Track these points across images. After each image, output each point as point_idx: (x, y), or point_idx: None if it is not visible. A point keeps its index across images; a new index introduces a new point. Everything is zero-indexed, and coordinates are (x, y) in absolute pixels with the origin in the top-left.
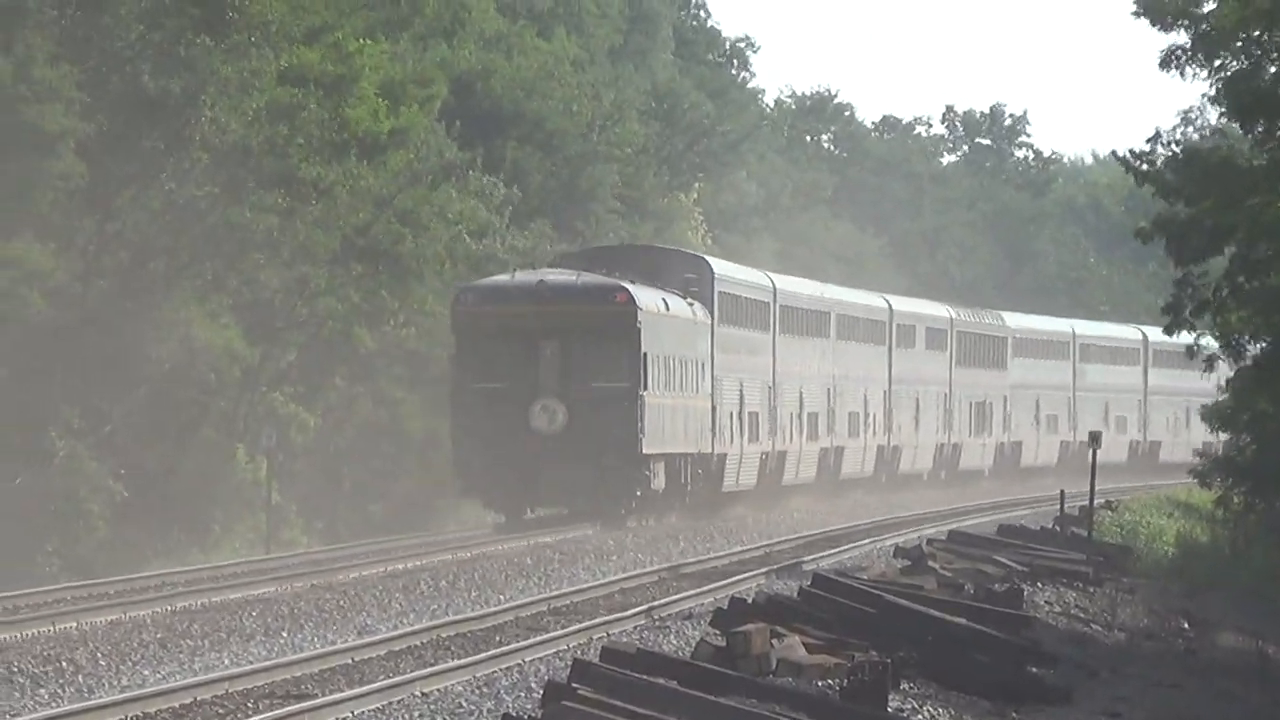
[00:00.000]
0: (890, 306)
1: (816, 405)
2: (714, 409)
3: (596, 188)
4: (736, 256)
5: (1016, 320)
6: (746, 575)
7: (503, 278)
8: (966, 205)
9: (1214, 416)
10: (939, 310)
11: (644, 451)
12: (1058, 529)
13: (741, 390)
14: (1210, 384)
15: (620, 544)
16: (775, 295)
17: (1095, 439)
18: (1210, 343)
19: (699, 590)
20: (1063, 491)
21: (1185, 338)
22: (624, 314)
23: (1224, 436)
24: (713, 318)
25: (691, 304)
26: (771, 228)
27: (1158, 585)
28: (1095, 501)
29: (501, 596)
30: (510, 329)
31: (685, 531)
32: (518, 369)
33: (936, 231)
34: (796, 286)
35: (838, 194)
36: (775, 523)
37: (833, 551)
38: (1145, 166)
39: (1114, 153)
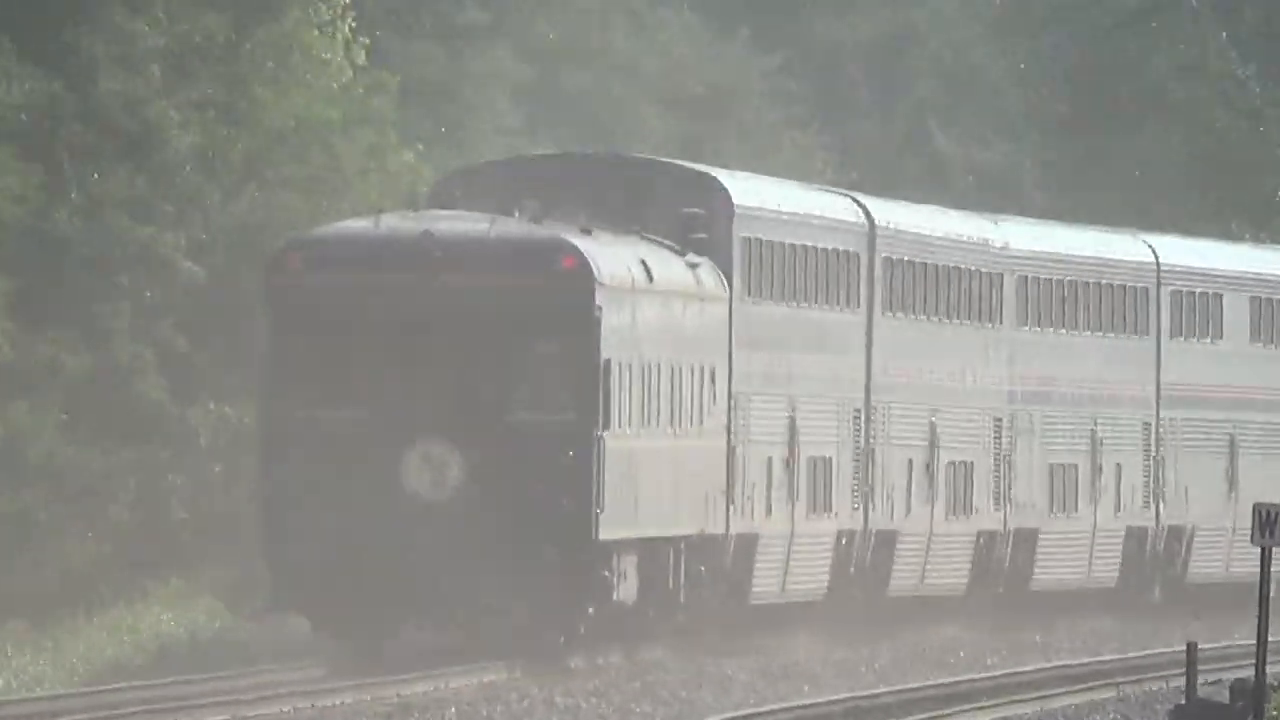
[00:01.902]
0: (1157, 258)
1: (970, 447)
2: (731, 451)
3: None
4: None
5: None
6: None
7: (358, 224)
8: None
9: None
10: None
11: (599, 536)
12: None
13: (793, 417)
14: None
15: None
16: (873, 237)
17: None
18: None
19: None
20: (1193, 645)
21: None
22: (570, 291)
23: None
24: (731, 286)
25: (694, 263)
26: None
27: None
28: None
29: None
30: (370, 316)
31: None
32: (382, 387)
33: None
34: (922, 221)
35: None
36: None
37: None
38: None
39: None
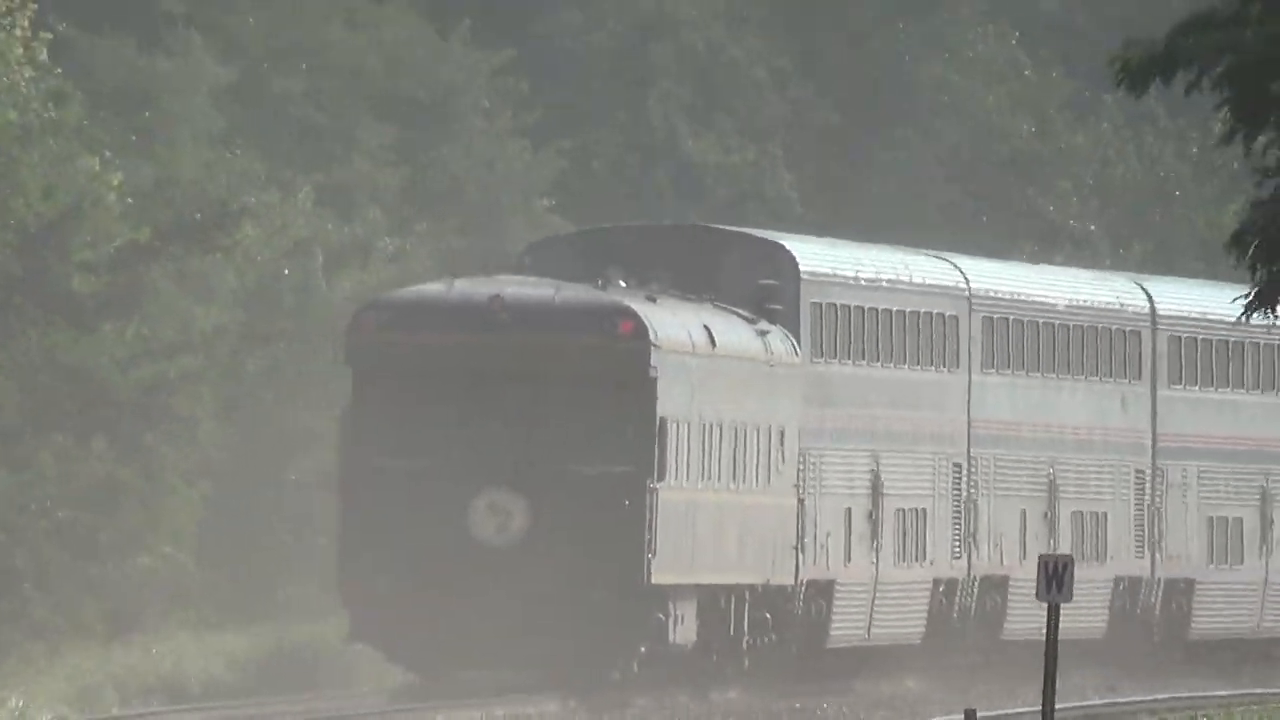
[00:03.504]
0: None
1: (1102, 497)
2: (801, 506)
3: None
4: None
5: None
6: None
7: (433, 287)
8: None
9: None
10: None
11: (653, 580)
12: None
13: (876, 472)
14: None
15: None
16: (970, 301)
17: None
18: None
19: None
20: (971, 713)
21: None
22: (627, 353)
23: None
24: (799, 350)
25: (764, 331)
26: None
27: None
28: None
29: None
30: (441, 373)
31: None
32: (451, 439)
33: None
34: (1032, 281)
35: None
36: None
37: None
38: None
39: None
